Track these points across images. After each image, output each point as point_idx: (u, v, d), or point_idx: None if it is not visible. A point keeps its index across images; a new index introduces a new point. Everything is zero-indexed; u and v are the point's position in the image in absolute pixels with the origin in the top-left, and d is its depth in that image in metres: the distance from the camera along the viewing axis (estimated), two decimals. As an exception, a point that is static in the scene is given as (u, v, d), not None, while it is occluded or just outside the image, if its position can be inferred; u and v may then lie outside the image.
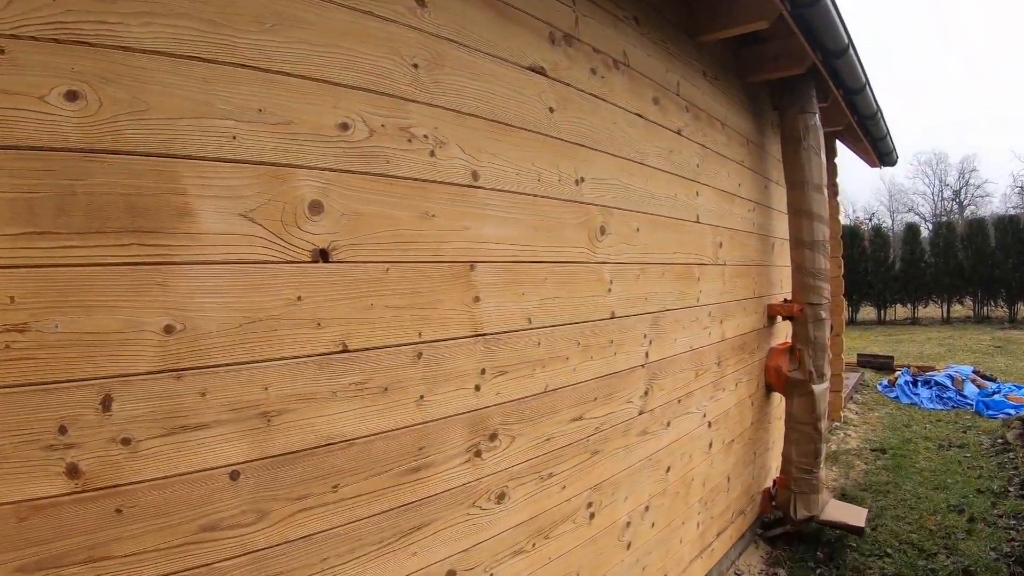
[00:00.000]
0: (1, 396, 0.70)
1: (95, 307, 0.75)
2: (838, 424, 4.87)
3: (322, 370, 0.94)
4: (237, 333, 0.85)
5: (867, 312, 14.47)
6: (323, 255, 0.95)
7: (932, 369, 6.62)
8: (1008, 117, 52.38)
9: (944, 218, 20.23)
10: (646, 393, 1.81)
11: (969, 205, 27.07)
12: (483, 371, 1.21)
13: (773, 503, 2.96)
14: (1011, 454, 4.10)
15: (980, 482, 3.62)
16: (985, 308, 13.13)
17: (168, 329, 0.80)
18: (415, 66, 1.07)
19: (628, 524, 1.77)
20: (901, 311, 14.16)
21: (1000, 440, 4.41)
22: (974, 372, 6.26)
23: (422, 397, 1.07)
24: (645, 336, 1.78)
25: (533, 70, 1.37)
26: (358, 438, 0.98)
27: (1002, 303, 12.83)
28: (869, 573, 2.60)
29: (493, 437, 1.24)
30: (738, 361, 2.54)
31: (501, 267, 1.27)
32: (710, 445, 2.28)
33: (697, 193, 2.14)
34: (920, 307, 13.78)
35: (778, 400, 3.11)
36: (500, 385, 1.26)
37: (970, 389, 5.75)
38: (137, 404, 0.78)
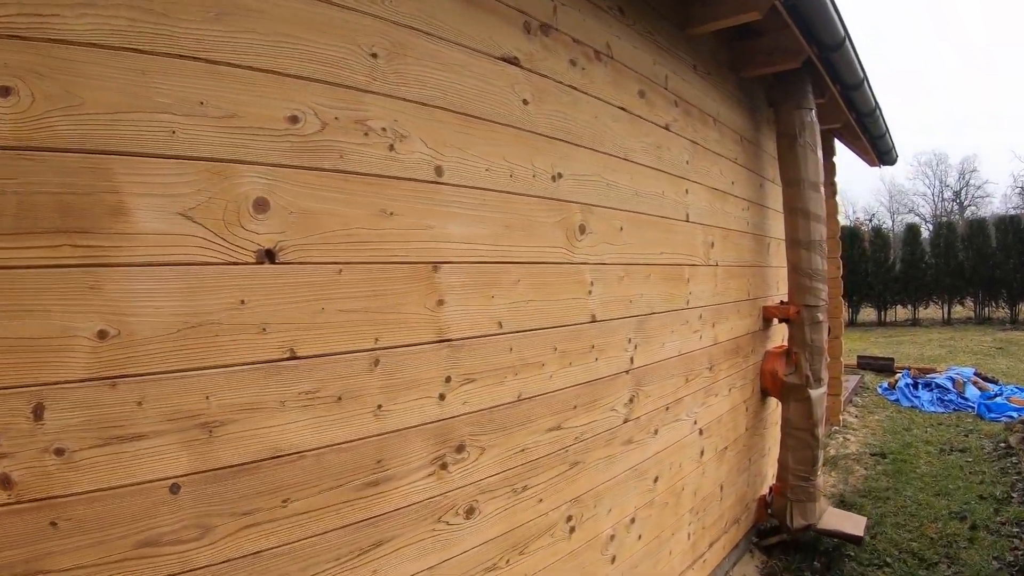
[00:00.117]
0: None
1: (24, 311, 0.72)
2: (837, 428, 4.78)
3: (268, 378, 0.89)
4: (175, 339, 0.81)
5: (867, 313, 14.37)
6: (269, 256, 0.90)
7: (933, 371, 6.53)
8: (1007, 114, 52.46)
9: (944, 219, 20.11)
10: (631, 400, 1.72)
11: (969, 206, 26.98)
12: (448, 379, 1.15)
13: (769, 511, 2.87)
14: (1014, 458, 4.01)
15: (982, 488, 3.53)
16: (986, 309, 13.03)
17: (102, 335, 0.76)
18: (374, 56, 1.01)
19: (612, 537, 1.68)
20: (901, 312, 14.05)
21: (1002, 444, 4.32)
22: (975, 374, 6.17)
23: (380, 407, 1.02)
24: (630, 340, 1.70)
25: (506, 60, 1.30)
26: (309, 450, 0.93)
27: (1003, 304, 12.73)
28: (868, 584, 2.52)
29: (460, 449, 1.18)
30: (731, 365, 2.45)
31: (468, 268, 1.20)
32: (701, 453, 2.19)
33: (687, 191, 2.05)
34: (921, 308, 13.67)
35: (774, 405, 3.02)
36: (468, 394, 1.19)
37: (971, 392, 5.66)
38: (70, 413, 0.74)
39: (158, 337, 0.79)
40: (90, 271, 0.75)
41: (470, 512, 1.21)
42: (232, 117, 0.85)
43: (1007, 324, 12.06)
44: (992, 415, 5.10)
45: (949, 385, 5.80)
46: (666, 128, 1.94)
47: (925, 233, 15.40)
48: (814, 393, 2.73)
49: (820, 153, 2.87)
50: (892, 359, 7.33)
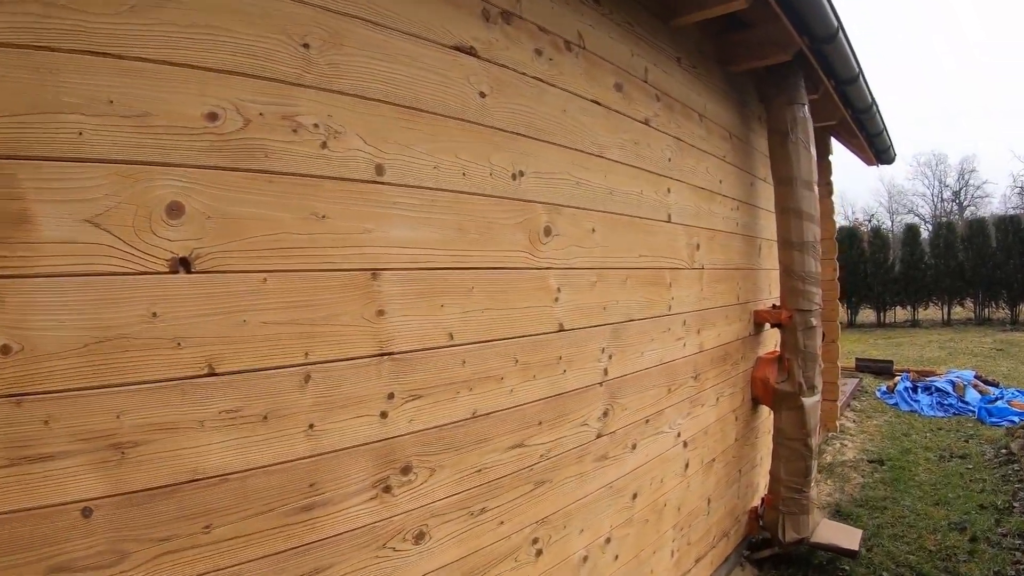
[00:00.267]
0: None
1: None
2: (834, 434, 4.67)
3: (185, 396, 0.83)
4: (83, 354, 0.76)
5: (866, 315, 14.25)
6: (183, 264, 0.83)
7: (932, 374, 6.41)
8: (1003, 109, 52.30)
9: (944, 219, 19.99)
10: (605, 414, 1.61)
11: (969, 206, 26.85)
12: (391, 395, 1.06)
13: (761, 523, 2.75)
14: (1015, 465, 3.89)
15: (983, 497, 3.41)
16: (986, 310, 12.92)
17: (5, 349, 0.72)
18: (306, 46, 0.94)
19: (585, 559, 1.57)
20: (901, 313, 13.93)
21: (1004, 450, 4.20)
22: (976, 377, 6.05)
23: (312, 426, 0.95)
24: (603, 350, 1.59)
25: (461, 50, 1.20)
26: (233, 473, 0.87)
27: (1003, 304, 12.62)
28: (863, 602, 2.40)
29: (406, 470, 1.09)
30: (720, 373, 2.34)
31: (413, 275, 1.11)
32: (686, 466, 2.07)
33: (669, 190, 1.94)
34: (920, 309, 13.56)
35: (766, 413, 2.90)
36: (414, 411, 1.10)
37: (972, 395, 5.54)
38: (-26, 431, 0.69)
39: (64, 352, 0.75)
40: (-9, 283, 0.69)
41: (420, 537, 1.13)
42: (144, 116, 0.80)
43: (1007, 325, 11.95)
44: (993, 419, 4.98)
45: (949, 389, 5.69)
46: (645, 123, 1.82)
47: (925, 233, 15.28)
48: (807, 401, 2.61)
49: (813, 150, 2.75)
50: (891, 361, 7.21)
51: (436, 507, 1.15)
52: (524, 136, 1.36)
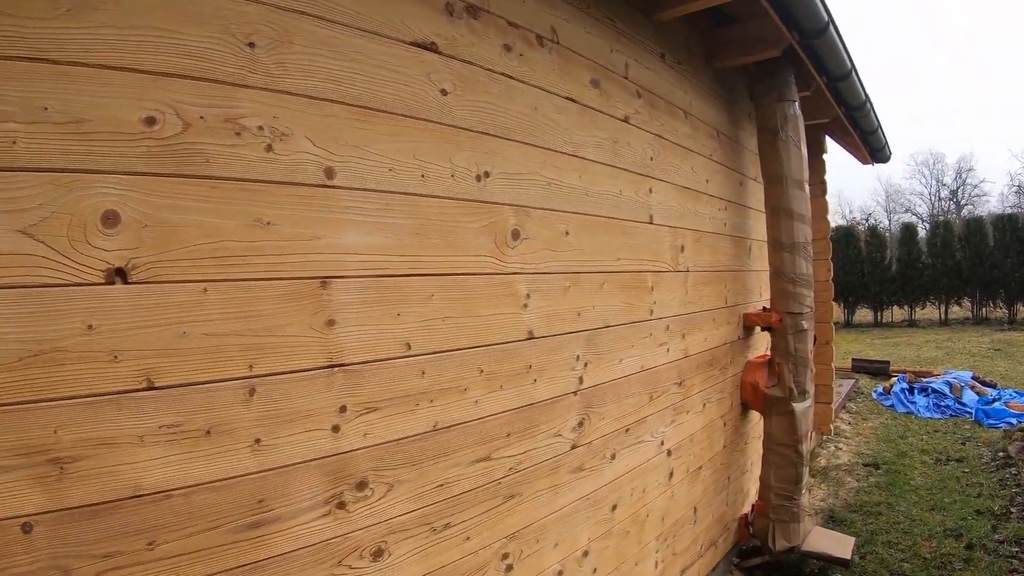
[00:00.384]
0: None
1: None
2: (828, 437, 4.60)
3: (123, 410, 0.81)
4: (18, 368, 0.74)
5: (863, 314, 14.20)
6: (120, 275, 0.81)
7: (929, 374, 6.36)
8: (997, 107, 52.36)
9: (941, 218, 19.93)
10: (580, 424, 1.54)
11: (966, 205, 26.82)
12: (343, 409, 1.01)
13: (751, 531, 2.68)
14: (1013, 469, 3.82)
15: (979, 502, 3.35)
16: (984, 309, 12.87)
17: None
18: (251, 45, 0.91)
19: (560, 573, 1.50)
20: (898, 313, 13.88)
21: (1001, 453, 4.13)
22: (973, 378, 5.99)
23: (258, 441, 0.91)
24: (578, 358, 1.52)
25: (420, 46, 1.15)
26: (176, 489, 0.85)
27: (1001, 304, 12.58)
28: (855, 614, 2.33)
29: (362, 486, 1.05)
30: (706, 379, 2.27)
31: (367, 283, 1.05)
32: (670, 475, 2.01)
33: (651, 190, 1.87)
34: (918, 309, 13.50)
35: (757, 418, 2.83)
36: (369, 425, 1.05)
37: (969, 396, 5.48)
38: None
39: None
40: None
41: (378, 554, 1.08)
42: (80, 122, 0.77)
43: (1005, 324, 11.90)
44: (990, 421, 4.92)
45: (946, 390, 5.62)
46: (625, 121, 1.76)
47: (922, 233, 15.23)
48: (798, 407, 2.55)
49: (804, 149, 2.69)
50: (888, 362, 7.15)
51: (395, 523, 1.11)
52: (490, 135, 1.29)
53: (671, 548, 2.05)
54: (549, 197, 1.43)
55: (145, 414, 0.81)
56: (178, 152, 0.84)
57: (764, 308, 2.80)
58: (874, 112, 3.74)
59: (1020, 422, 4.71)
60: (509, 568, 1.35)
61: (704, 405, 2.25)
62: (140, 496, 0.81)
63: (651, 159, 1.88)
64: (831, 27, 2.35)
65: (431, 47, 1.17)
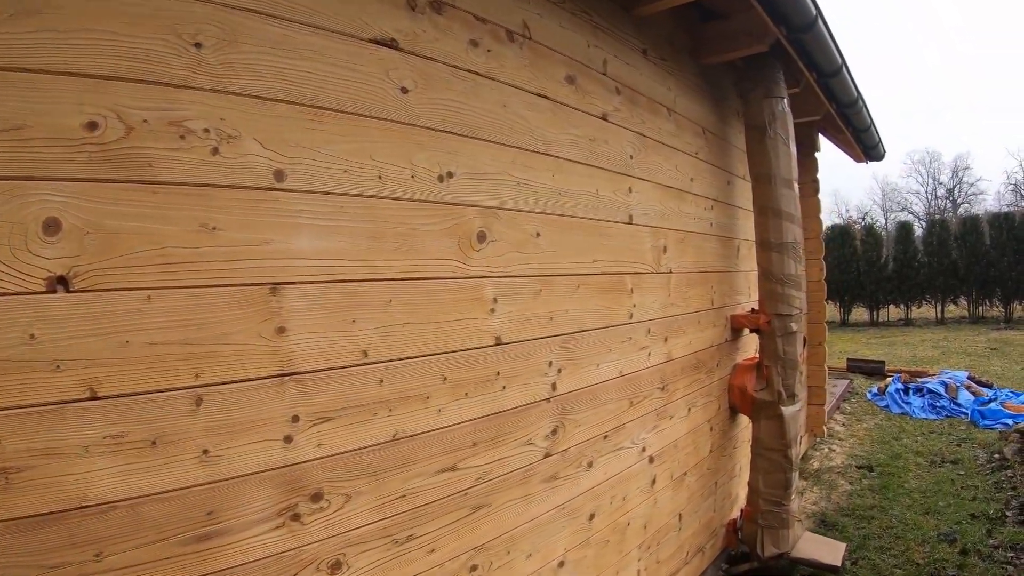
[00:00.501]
0: None
1: None
2: (821, 439, 4.55)
3: (66, 420, 0.80)
4: None
5: (859, 313, 14.15)
6: (62, 283, 0.80)
7: (925, 374, 6.31)
8: (989, 104, 52.36)
9: (937, 216, 19.90)
10: (554, 432, 1.49)
11: (963, 203, 26.82)
12: (295, 418, 0.98)
13: (739, 537, 2.63)
14: (1009, 472, 3.77)
15: (974, 505, 3.30)
16: (980, 308, 12.82)
17: None
18: (197, 45, 0.89)
19: (536, 589, 1.45)
20: (894, 312, 13.82)
21: (997, 455, 4.09)
22: (969, 378, 5.95)
23: (206, 452, 0.90)
24: (551, 364, 1.46)
25: (379, 43, 1.11)
26: (122, 500, 0.84)
27: (997, 303, 12.53)
28: (844, 622, 2.28)
29: (317, 497, 1.01)
30: (692, 383, 2.22)
31: (320, 289, 1.02)
32: (652, 482, 1.95)
33: (631, 189, 1.82)
34: (914, 308, 13.45)
35: (746, 421, 2.78)
36: (323, 435, 1.02)
37: (964, 397, 5.43)
38: None
39: (-56, 376, 0.71)
40: None
41: (336, 567, 1.05)
42: (20, 129, 0.76)
43: (1001, 323, 11.85)
44: (986, 422, 4.87)
45: (941, 390, 5.58)
46: (603, 118, 1.70)
47: (919, 231, 15.19)
48: (787, 411, 2.50)
49: (793, 146, 2.64)
50: (883, 362, 7.10)
51: (354, 535, 1.07)
52: (454, 134, 1.24)
53: (654, 556, 2.00)
54: (519, 198, 1.38)
55: (89, 424, 0.80)
56: (120, 157, 0.82)
57: (753, 309, 2.75)
58: (866, 109, 3.69)
59: (1016, 423, 4.66)
60: (479, 581, 1.30)
61: (689, 410, 2.20)
62: (86, 507, 0.80)
63: (631, 157, 1.83)
64: (819, 21, 2.30)
65: (391, 44, 1.13)
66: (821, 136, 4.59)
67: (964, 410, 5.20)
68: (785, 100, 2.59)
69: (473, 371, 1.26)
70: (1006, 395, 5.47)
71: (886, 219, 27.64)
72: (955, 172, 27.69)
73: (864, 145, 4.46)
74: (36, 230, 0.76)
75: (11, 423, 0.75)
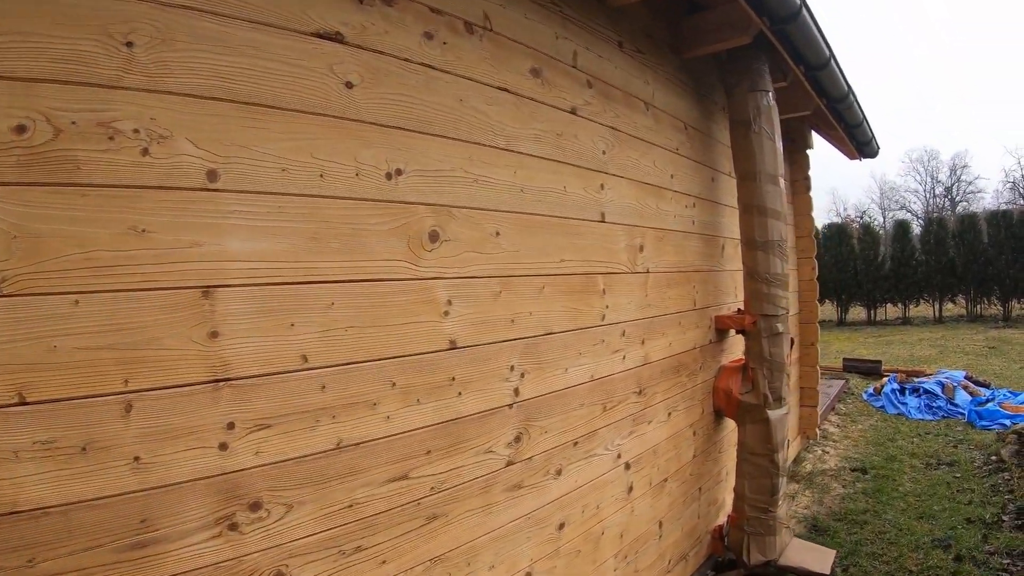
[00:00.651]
0: None
1: None
2: (814, 441, 4.48)
3: None
4: None
5: (857, 312, 14.06)
6: None
7: (921, 374, 6.24)
8: (980, 98, 52.18)
9: (935, 215, 19.83)
10: (518, 439, 1.42)
11: (961, 201, 26.73)
12: (231, 425, 0.95)
13: (725, 543, 2.56)
14: (1006, 474, 3.70)
15: (970, 509, 3.22)
16: (978, 306, 12.72)
17: None
18: (129, 44, 0.87)
19: (500, 602, 1.39)
20: (892, 311, 13.72)
21: (993, 457, 4.01)
22: (966, 378, 5.87)
23: (138, 459, 0.88)
24: (513, 368, 1.40)
25: (323, 37, 1.07)
26: (54, 506, 0.83)
27: (995, 301, 12.43)
28: (832, 632, 2.21)
29: (256, 506, 0.98)
30: (672, 386, 2.15)
31: (256, 292, 0.98)
32: (629, 489, 1.89)
33: (603, 186, 1.75)
34: (911, 306, 13.35)
35: (733, 425, 2.71)
36: (261, 443, 0.98)
37: (961, 397, 5.36)
38: None
39: None
40: None
41: None
42: None
43: (999, 321, 11.76)
44: (983, 423, 4.80)
45: (938, 390, 5.50)
46: (572, 112, 1.64)
47: (917, 229, 15.10)
48: (773, 414, 2.43)
49: (779, 141, 2.57)
50: (879, 361, 7.02)
51: (297, 546, 1.03)
52: (405, 130, 1.19)
53: (632, 565, 1.93)
54: (476, 195, 1.32)
55: (18, 429, 0.79)
56: (49, 160, 0.81)
57: (739, 310, 2.68)
58: (858, 104, 3.63)
59: (1014, 423, 4.59)
60: (435, 595, 1.24)
61: (669, 414, 2.13)
62: (18, 512, 0.79)
63: (604, 153, 1.77)
64: (804, 12, 2.24)
65: (336, 37, 1.09)
66: (814, 133, 4.53)
67: (961, 410, 5.13)
68: (770, 94, 2.53)
69: (425, 376, 1.20)
70: (1004, 395, 5.40)
71: (884, 218, 27.57)
72: (953, 170, 27.63)
73: (857, 141, 4.40)
74: (-35, 236, 0.74)
75: (-58, 428, 0.72)
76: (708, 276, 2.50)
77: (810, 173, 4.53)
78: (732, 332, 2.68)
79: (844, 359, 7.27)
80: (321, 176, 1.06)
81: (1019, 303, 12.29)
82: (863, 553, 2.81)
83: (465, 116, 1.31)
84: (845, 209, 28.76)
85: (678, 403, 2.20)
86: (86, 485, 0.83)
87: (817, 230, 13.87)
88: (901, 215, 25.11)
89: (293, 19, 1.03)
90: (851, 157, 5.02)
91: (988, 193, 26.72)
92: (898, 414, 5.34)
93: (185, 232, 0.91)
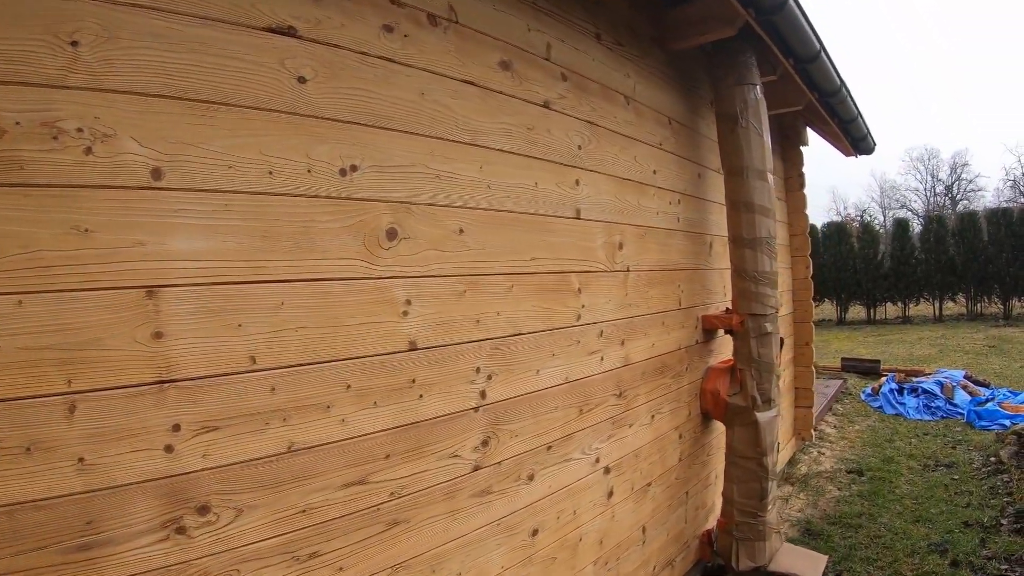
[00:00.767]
0: None
1: None
2: (810, 442, 4.42)
3: None
4: None
5: (857, 311, 13.97)
6: None
7: (920, 373, 6.17)
8: (974, 96, 51.88)
9: (935, 213, 19.69)
10: (485, 443, 1.38)
11: (962, 200, 26.60)
12: (177, 427, 0.94)
13: (714, 548, 2.51)
14: (1005, 476, 3.63)
15: (968, 512, 3.16)
16: (978, 305, 12.60)
17: None
18: (74, 44, 0.86)
19: (469, 611, 1.34)
20: (892, 310, 13.61)
21: (992, 459, 3.94)
22: (965, 377, 5.80)
23: (82, 460, 0.87)
24: (479, 370, 1.35)
25: (275, 31, 1.04)
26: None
27: (996, 299, 12.31)
28: (822, 640, 2.16)
29: (204, 510, 0.96)
30: (656, 388, 2.10)
31: (202, 292, 0.96)
32: (609, 494, 1.83)
33: (578, 181, 1.71)
34: (912, 305, 13.24)
35: (722, 427, 2.66)
36: (209, 445, 0.96)
37: (960, 397, 5.29)
38: None
39: None
40: None
41: None
42: None
43: (1000, 320, 11.64)
44: (982, 423, 4.73)
45: (937, 390, 5.43)
46: (544, 106, 1.60)
47: (917, 228, 15.00)
48: (762, 417, 2.38)
49: (767, 136, 2.52)
50: (878, 361, 6.95)
51: (248, 551, 1.00)
52: (361, 124, 1.15)
53: (614, 572, 1.88)
54: (438, 191, 1.27)
55: None
56: None
57: (727, 309, 2.63)
58: (851, 98, 3.57)
59: (1014, 423, 4.52)
60: (397, 605, 1.20)
61: (653, 417, 2.08)
62: None
63: (579, 148, 1.72)
64: (790, 2, 2.19)
65: (289, 32, 1.06)
66: (809, 130, 4.48)
67: (960, 411, 5.06)
68: (758, 87, 2.48)
69: (383, 378, 1.16)
70: (1004, 395, 5.32)
71: (884, 217, 27.43)
72: (954, 169, 27.50)
73: (852, 137, 4.33)
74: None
75: None
76: (694, 274, 2.45)
77: (805, 170, 4.47)
78: (721, 332, 2.63)
79: (842, 359, 7.20)
80: (270, 173, 1.03)
81: (1019, 301, 12.18)
82: (857, 558, 2.75)
83: (427, 110, 1.26)
84: (845, 208, 28.68)
85: (662, 405, 2.15)
86: (31, 486, 0.83)
87: (816, 229, 13.86)
88: (902, 214, 25.00)
89: (243, 14, 1.01)
90: (847, 154, 4.96)
91: (989, 191, 26.60)
92: (896, 414, 5.27)
93: (129, 231, 0.90)
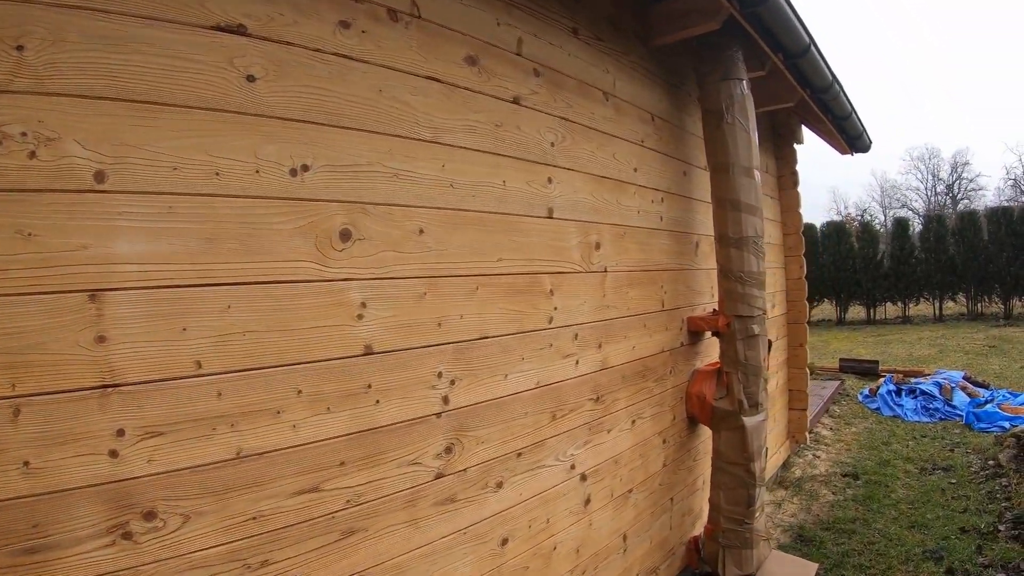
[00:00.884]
0: None
1: None
2: (806, 445, 4.35)
3: None
4: None
5: (856, 311, 13.87)
6: None
7: (919, 374, 6.10)
8: (969, 94, 51.61)
9: (935, 212, 19.55)
10: (448, 450, 1.33)
11: (963, 199, 26.44)
12: (121, 432, 0.93)
13: (700, 556, 2.46)
14: (1003, 480, 3.56)
15: (965, 518, 3.09)
16: (979, 305, 12.48)
17: None
18: (20, 48, 0.86)
19: (433, 622, 1.30)
20: (892, 310, 13.51)
21: (991, 462, 3.87)
22: (964, 378, 5.73)
23: (27, 464, 0.87)
24: (441, 375, 1.31)
25: (224, 30, 1.02)
26: None
27: (996, 299, 12.20)
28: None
29: (151, 516, 0.96)
30: (637, 392, 2.06)
31: (145, 295, 0.94)
32: (586, 502, 1.79)
33: (550, 179, 1.67)
34: (911, 305, 13.13)
35: (709, 432, 2.61)
36: (154, 450, 0.95)
37: (959, 398, 5.22)
38: None
39: None
40: None
41: None
42: None
43: (1000, 320, 11.53)
44: (981, 425, 4.66)
45: (935, 391, 5.36)
46: (514, 102, 1.56)
47: (917, 227, 14.89)
48: (749, 421, 2.32)
49: (755, 133, 2.47)
50: (877, 362, 6.87)
51: (197, 558, 0.99)
52: (314, 123, 1.12)
53: (594, 581, 1.83)
54: (396, 191, 1.23)
55: None
56: None
57: (714, 311, 2.58)
58: (845, 95, 3.51)
59: (1014, 425, 4.46)
60: (356, 615, 1.16)
61: (634, 422, 2.03)
62: None
63: (552, 145, 1.68)
64: (777, -8, 2.14)
65: (238, 30, 1.04)
66: (805, 128, 4.43)
67: (959, 412, 4.99)
68: (745, 82, 2.43)
69: (336, 383, 1.12)
70: (1003, 396, 5.25)
71: (885, 216, 27.30)
72: (954, 168, 27.35)
73: (847, 135, 4.28)
74: None
75: None
76: (679, 275, 2.41)
77: (802, 169, 4.42)
78: (707, 334, 2.58)
79: (841, 359, 7.13)
80: (217, 174, 1.00)
81: (1020, 301, 12.07)
82: (849, 565, 2.70)
83: (385, 108, 1.23)
84: (846, 207, 28.55)
85: (644, 410, 2.10)
86: (-23, 487, 0.80)
87: (815, 228, 13.76)
88: (903, 213, 24.86)
89: (193, 14, 0.99)
90: (843, 152, 4.90)
91: (989, 190, 26.44)
92: (894, 416, 5.20)
93: (72, 235, 0.89)
